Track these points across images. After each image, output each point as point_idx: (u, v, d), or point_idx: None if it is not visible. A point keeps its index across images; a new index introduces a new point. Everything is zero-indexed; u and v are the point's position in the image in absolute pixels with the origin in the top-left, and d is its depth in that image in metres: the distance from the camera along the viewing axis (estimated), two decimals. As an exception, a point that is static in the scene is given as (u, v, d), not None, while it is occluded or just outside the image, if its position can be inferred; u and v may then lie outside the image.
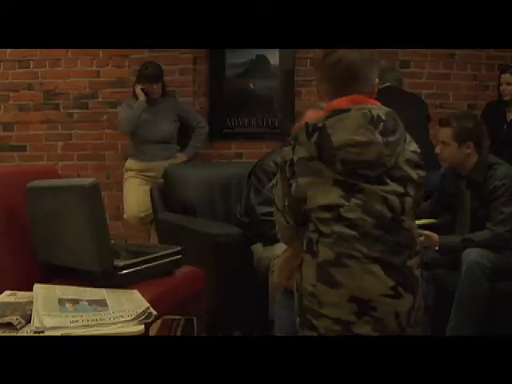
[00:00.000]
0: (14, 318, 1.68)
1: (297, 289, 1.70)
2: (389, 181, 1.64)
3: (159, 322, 2.34)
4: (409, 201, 1.66)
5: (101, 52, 4.45)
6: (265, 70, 4.50)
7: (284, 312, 2.33)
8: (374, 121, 1.63)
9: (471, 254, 2.66)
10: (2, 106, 4.57)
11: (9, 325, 1.66)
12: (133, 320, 1.73)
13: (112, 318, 1.73)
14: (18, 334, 1.64)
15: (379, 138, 1.62)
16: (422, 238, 2.57)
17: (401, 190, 1.65)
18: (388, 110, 1.69)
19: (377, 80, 1.75)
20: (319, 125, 1.64)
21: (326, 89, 1.75)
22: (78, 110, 4.53)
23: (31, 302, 1.78)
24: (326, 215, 1.61)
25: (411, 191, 1.67)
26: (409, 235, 1.66)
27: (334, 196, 1.61)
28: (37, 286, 1.89)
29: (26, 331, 1.65)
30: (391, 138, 1.64)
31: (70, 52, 4.47)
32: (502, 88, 3.96)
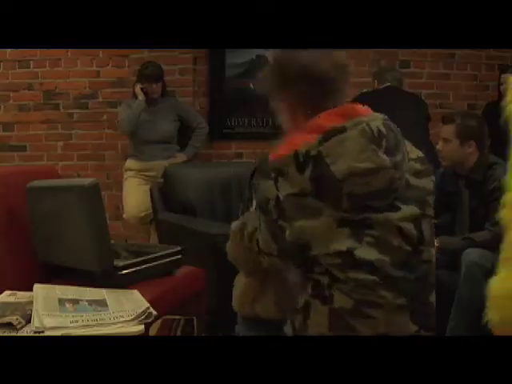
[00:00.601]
0: (14, 318, 1.68)
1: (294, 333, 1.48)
2: (400, 204, 1.37)
3: (159, 322, 2.34)
4: (426, 223, 1.42)
5: (101, 52, 4.46)
6: (265, 70, 4.49)
7: None
8: (375, 138, 1.33)
9: (470, 255, 2.65)
10: (2, 106, 4.58)
11: (9, 325, 1.66)
12: (133, 320, 1.73)
13: (112, 318, 1.73)
14: (18, 334, 1.64)
15: (386, 159, 1.32)
16: None
17: (416, 211, 1.39)
18: (382, 117, 1.40)
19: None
20: (313, 153, 1.30)
21: (293, 102, 1.44)
22: (78, 110, 4.54)
23: (31, 302, 1.78)
24: (337, 260, 1.32)
25: (430, 209, 1.44)
26: (428, 269, 1.44)
27: (342, 240, 1.32)
28: (37, 286, 1.89)
29: (26, 331, 1.65)
30: (398, 157, 1.36)
31: (70, 52, 4.48)
32: (502, 88, 3.96)
